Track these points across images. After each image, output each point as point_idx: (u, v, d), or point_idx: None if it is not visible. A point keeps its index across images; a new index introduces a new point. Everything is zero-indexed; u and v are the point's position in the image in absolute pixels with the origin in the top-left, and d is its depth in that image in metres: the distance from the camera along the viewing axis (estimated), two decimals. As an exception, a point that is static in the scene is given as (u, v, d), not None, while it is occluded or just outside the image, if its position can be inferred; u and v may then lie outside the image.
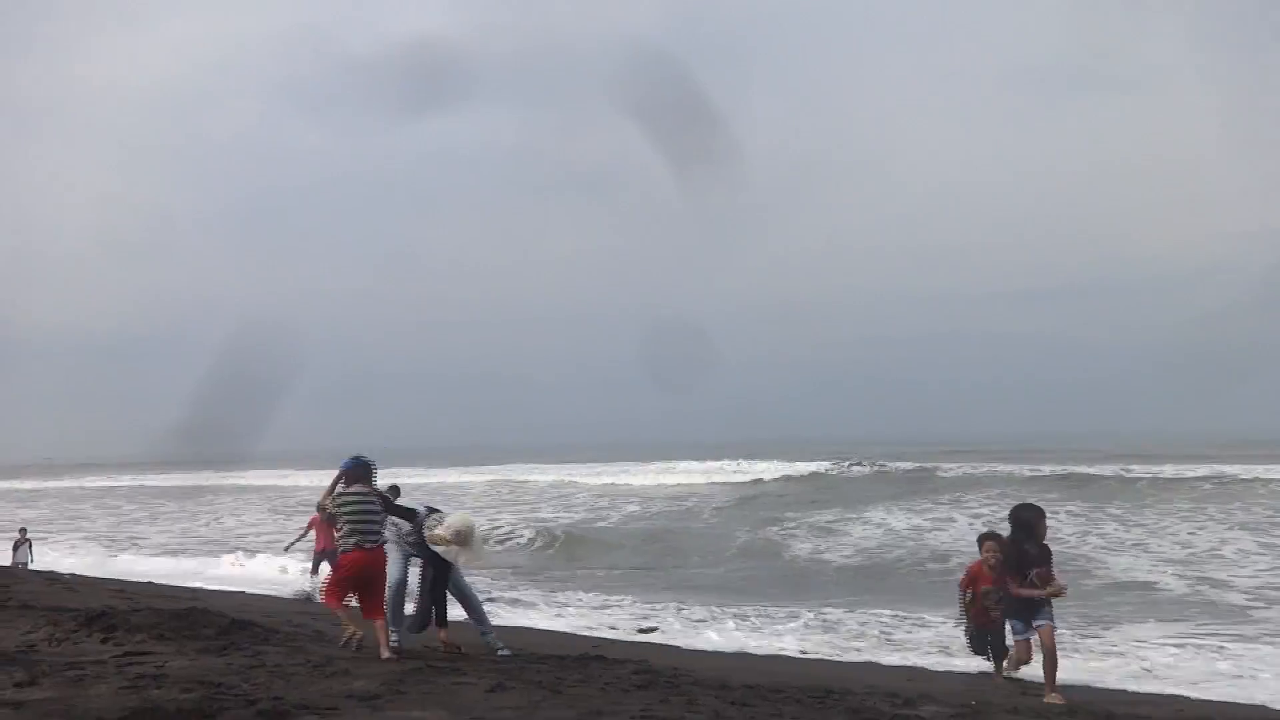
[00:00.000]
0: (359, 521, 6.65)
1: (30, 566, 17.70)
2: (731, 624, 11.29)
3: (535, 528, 23.00)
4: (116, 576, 14.68)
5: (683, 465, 41.07)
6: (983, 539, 8.12)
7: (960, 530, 20.79)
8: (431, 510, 7.55)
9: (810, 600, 13.22)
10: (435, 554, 7.27)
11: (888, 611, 11.53)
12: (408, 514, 7.50)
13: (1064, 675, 7.95)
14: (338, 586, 6.81)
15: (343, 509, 6.71)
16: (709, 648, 9.63)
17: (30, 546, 18.93)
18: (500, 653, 7.23)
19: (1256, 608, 12.17)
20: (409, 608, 7.66)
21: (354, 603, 6.97)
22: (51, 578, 12.49)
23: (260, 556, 18.14)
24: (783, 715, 4.97)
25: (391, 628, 7.28)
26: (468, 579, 7.85)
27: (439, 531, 7.17)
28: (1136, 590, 13.72)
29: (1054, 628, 7.03)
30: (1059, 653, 7.03)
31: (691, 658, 8.33)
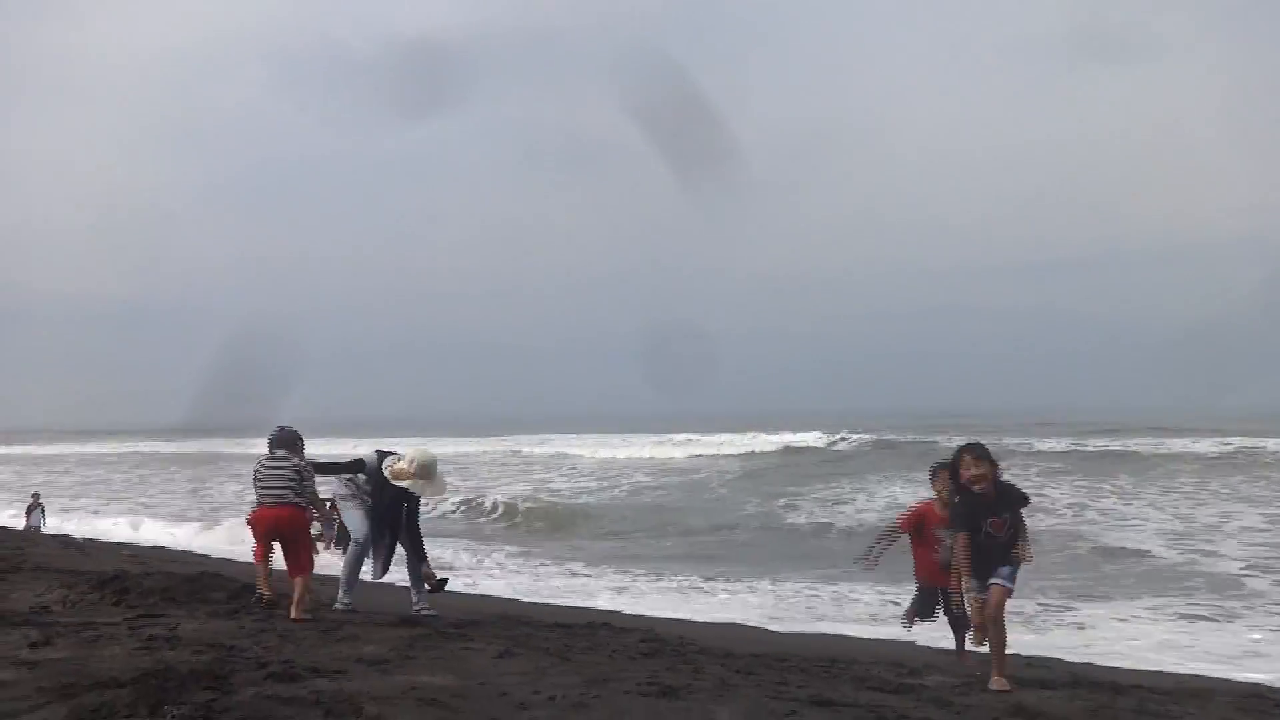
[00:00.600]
0: (260, 483, 6.98)
1: (43, 530, 17.90)
2: (736, 594, 11.36)
3: (537, 500, 23.13)
4: (125, 541, 14.82)
5: (687, 438, 41.20)
6: (937, 470, 6.73)
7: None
8: (384, 454, 7.53)
9: (814, 572, 13.29)
10: (395, 502, 7.28)
11: (892, 585, 11.60)
12: (355, 465, 7.49)
13: (1052, 648, 8.01)
14: (255, 541, 7.08)
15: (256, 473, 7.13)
16: (715, 618, 9.70)
17: (43, 511, 19.13)
18: (425, 612, 7.24)
19: (1250, 577, 12.24)
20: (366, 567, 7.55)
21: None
22: (65, 541, 12.61)
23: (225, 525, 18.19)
24: (788, 684, 5.01)
25: (344, 588, 7.29)
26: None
27: (401, 465, 7.24)
28: (1130, 562, 13.78)
29: (1008, 589, 5.52)
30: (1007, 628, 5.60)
31: (698, 627, 8.40)
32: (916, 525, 6.88)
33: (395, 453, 7.58)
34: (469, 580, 12.23)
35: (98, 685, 4.08)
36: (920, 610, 7.12)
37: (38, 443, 58.97)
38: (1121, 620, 9.68)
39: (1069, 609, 10.26)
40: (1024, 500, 5.75)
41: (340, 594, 7.27)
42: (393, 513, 7.33)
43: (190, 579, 7.61)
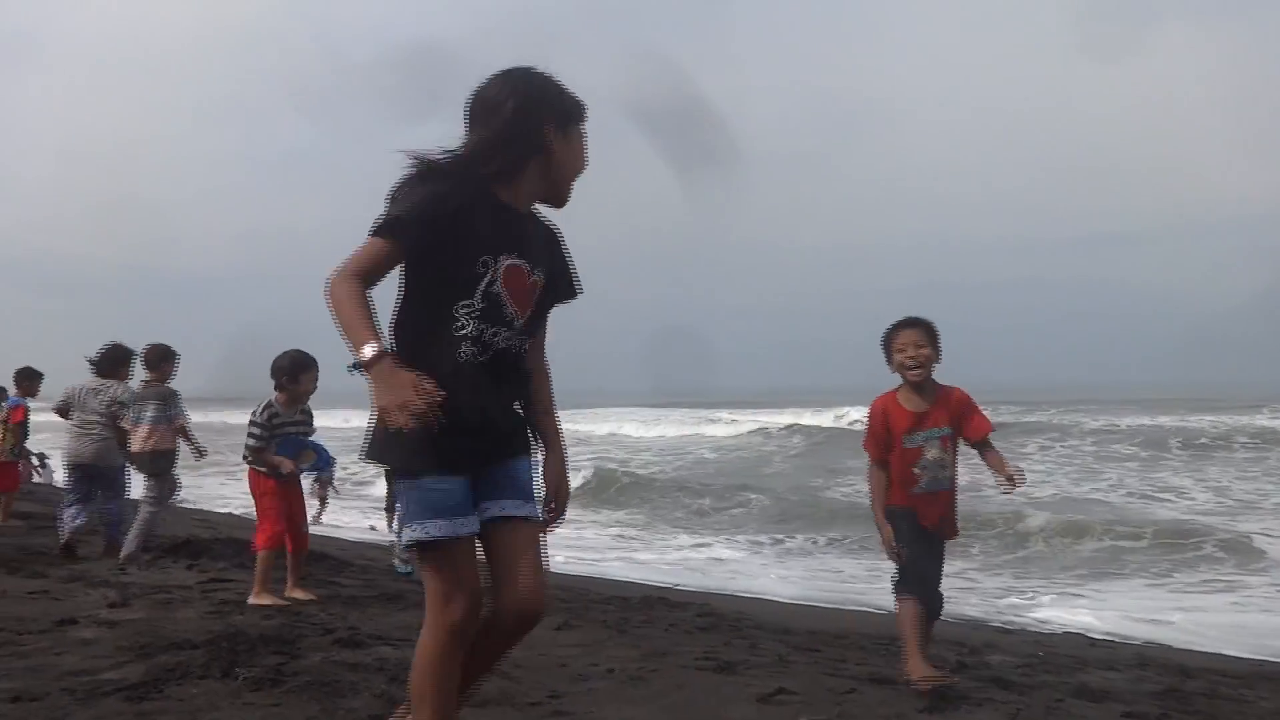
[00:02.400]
0: None
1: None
2: (794, 568, 11.34)
3: (597, 469, 23.24)
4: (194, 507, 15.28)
5: (735, 415, 41.12)
6: (894, 331, 4.32)
7: (1038, 477, 20.63)
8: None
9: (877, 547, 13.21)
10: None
11: (959, 562, 11.48)
12: None
13: (1089, 628, 7.85)
14: None
15: None
16: (773, 593, 9.69)
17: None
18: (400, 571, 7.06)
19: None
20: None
21: None
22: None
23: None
24: (847, 660, 4.99)
25: (399, 553, 7.12)
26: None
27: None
28: (1165, 538, 13.44)
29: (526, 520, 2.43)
30: None
31: (754, 603, 8.39)
32: (882, 440, 4.38)
33: None
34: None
35: (173, 646, 4.22)
36: (916, 572, 4.28)
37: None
38: (1151, 601, 9.45)
39: (1096, 585, 10.07)
40: (570, 286, 2.58)
41: (396, 561, 7.35)
42: None
43: (258, 545, 7.81)
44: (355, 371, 2.20)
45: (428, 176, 2.35)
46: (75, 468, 7.47)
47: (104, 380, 7.47)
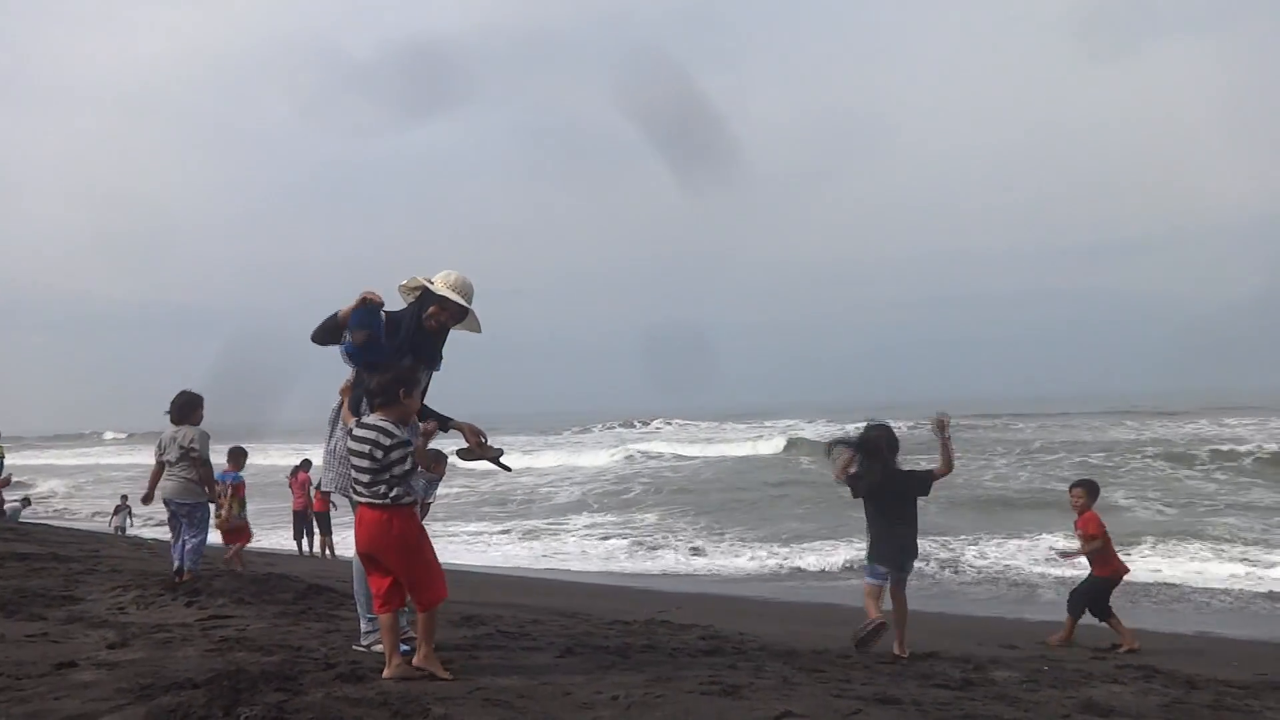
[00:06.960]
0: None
1: (128, 532, 18.54)
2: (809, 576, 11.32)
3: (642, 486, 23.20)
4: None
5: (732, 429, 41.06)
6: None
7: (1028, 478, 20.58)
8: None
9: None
10: None
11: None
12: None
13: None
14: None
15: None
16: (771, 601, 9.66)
17: (129, 513, 19.92)
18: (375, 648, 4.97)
19: None
20: None
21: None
22: (136, 543, 12.97)
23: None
24: (851, 681, 4.97)
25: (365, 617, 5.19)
26: None
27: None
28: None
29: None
30: None
31: (757, 622, 8.36)
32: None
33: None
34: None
35: (174, 686, 4.18)
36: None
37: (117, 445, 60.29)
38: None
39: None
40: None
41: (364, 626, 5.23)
42: None
43: (258, 580, 7.78)
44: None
45: None
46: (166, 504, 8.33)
47: (178, 427, 8.22)
